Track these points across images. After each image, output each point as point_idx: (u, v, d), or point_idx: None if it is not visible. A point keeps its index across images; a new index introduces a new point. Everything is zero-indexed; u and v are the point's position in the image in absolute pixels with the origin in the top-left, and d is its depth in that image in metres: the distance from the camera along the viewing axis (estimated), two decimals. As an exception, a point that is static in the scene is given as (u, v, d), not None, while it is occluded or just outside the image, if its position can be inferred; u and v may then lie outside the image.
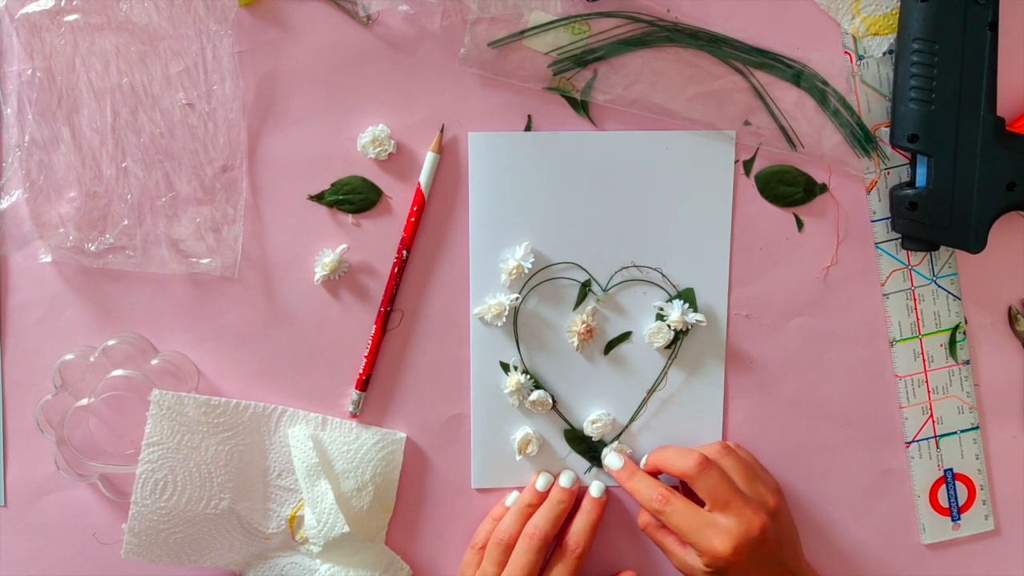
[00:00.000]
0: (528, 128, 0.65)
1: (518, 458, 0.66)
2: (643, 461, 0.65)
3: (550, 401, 0.66)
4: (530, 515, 0.64)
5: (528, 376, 0.65)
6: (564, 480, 0.65)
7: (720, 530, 0.59)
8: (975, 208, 0.63)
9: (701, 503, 0.61)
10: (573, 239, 0.65)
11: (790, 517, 0.63)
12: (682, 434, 0.66)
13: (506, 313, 0.65)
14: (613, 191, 0.65)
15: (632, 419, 0.67)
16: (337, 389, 0.66)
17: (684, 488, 0.64)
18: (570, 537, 0.63)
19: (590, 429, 0.66)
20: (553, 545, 0.64)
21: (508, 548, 0.63)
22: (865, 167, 0.66)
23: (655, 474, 0.64)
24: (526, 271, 0.65)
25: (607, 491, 0.66)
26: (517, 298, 0.65)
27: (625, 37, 0.64)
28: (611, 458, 0.65)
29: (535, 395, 0.65)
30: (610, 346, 0.66)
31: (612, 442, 0.66)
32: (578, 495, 0.66)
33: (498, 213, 0.65)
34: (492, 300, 0.65)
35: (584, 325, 0.65)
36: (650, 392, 0.66)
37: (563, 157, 0.65)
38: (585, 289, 0.66)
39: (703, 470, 0.60)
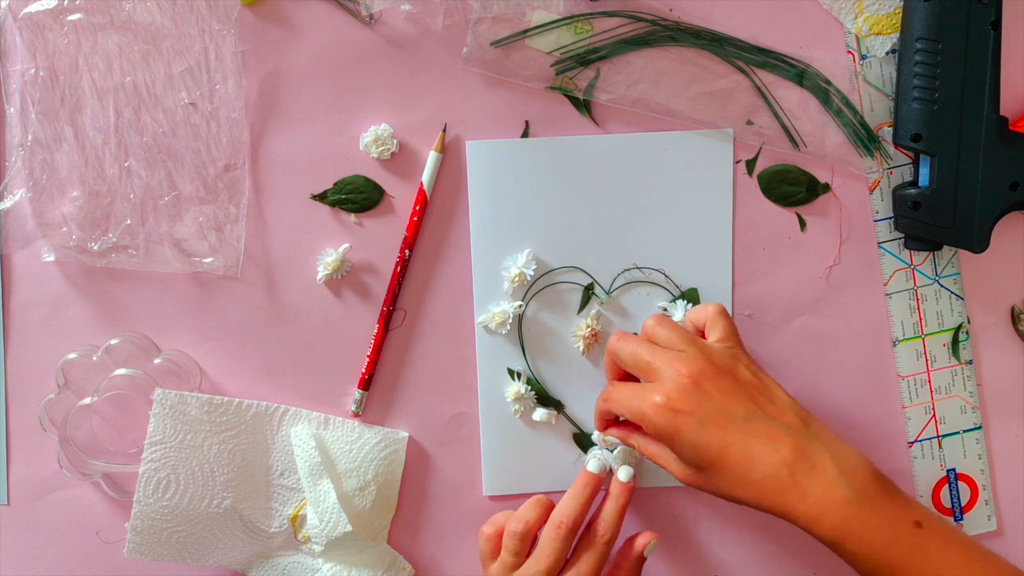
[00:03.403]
0: (525, 134, 0.65)
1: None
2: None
3: (554, 420, 0.66)
4: (548, 505, 0.61)
5: (529, 387, 0.65)
6: (592, 466, 0.62)
7: (651, 388, 0.56)
8: (978, 208, 0.62)
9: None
10: (574, 243, 0.65)
11: (736, 340, 0.60)
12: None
13: (510, 321, 0.65)
14: (612, 193, 0.65)
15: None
16: (339, 388, 0.66)
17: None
18: (599, 523, 0.61)
19: None
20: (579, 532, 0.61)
21: (525, 537, 0.60)
22: (868, 166, 0.65)
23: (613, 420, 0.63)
24: (528, 278, 0.65)
25: (635, 476, 0.63)
26: (520, 305, 0.65)
27: (628, 36, 0.64)
28: (622, 471, 0.63)
29: (538, 414, 0.65)
30: (615, 348, 0.66)
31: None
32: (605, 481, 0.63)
33: (499, 219, 0.65)
34: (496, 308, 0.65)
35: (589, 330, 0.65)
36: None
37: (561, 161, 0.65)
38: (588, 292, 0.66)
39: (610, 355, 0.60)
